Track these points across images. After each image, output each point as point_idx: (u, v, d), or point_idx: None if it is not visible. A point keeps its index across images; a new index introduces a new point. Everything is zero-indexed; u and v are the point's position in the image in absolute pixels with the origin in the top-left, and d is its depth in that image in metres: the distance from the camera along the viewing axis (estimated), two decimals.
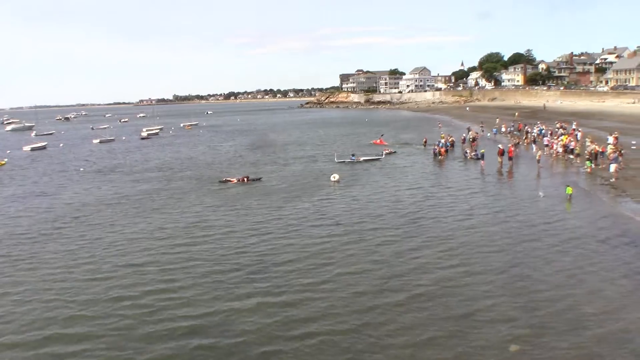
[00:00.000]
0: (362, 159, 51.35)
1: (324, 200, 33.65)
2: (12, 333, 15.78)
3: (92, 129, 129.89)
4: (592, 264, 19.50)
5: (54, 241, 25.87)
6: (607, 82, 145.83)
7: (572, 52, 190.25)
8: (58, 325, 16.18)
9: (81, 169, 54.36)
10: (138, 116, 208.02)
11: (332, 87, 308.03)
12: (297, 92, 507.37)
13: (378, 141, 68.35)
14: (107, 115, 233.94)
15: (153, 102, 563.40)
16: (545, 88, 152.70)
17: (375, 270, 19.73)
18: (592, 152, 39.34)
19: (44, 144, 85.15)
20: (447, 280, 18.40)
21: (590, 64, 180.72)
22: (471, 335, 14.43)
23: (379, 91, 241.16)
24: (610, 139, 44.45)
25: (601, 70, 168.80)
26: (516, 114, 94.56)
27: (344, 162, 50.41)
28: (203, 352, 14.25)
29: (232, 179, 42.08)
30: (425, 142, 59.33)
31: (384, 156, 53.12)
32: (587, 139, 45.61)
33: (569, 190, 30.47)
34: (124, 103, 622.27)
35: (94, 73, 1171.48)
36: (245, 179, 41.80)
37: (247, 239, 24.92)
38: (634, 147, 44.67)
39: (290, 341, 14.53)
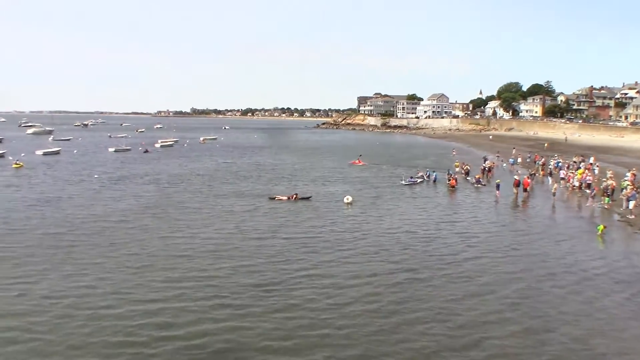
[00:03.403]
0: (418, 180, 53.41)
1: (341, 224, 32.80)
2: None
3: (110, 136, 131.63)
4: (607, 305, 18.91)
5: (66, 264, 25.55)
6: (626, 118, 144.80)
7: (592, 86, 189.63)
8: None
9: (95, 176, 54.71)
10: (155, 127, 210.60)
11: (349, 109, 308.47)
12: (314, 112, 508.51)
13: (357, 161, 71.52)
14: (124, 124, 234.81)
15: (171, 113, 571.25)
16: (563, 120, 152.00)
17: (381, 317, 17.96)
18: (609, 187, 38.68)
19: (57, 149, 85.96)
20: (458, 315, 17.88)
21: (610, 99, 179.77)
22: None
23: (396, 115, 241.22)
24: (628, 175, 43.73)
25: (621, 105, 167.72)
26: (545, 145, 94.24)
27: (409, 184, 51.58)
28: None
29: (282, 197, 41.80)
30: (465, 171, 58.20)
31: (426, 178, 54.85)
32: (608, 173, 44.86)
33: (601, 228, 29.76)
34: (142, 113, 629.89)
35: (113, 81, 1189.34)
36: (295, 197, 41.56)
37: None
38: None
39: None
